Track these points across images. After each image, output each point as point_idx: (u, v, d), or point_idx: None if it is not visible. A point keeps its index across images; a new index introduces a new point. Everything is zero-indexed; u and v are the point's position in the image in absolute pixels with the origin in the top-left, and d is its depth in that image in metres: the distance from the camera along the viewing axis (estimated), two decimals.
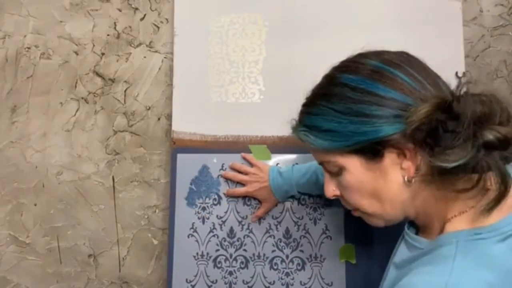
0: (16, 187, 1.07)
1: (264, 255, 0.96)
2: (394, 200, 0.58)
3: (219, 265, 0.96)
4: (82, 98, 1.08)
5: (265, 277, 0.96)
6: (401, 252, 0.62)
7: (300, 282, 0.95)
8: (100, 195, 1.06)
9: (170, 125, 1.02)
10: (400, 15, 1.00)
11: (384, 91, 0.55)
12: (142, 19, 1.08)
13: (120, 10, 1.08)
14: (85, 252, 1.06)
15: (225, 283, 0.96)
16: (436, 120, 0.51)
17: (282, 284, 0.95)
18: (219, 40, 1.02)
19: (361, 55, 0.60)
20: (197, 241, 0.97)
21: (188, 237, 0.97)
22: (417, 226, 0.63)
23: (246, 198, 0.97)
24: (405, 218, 0.61)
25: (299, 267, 0.95)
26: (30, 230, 1.07)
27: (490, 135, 0.49)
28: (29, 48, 1.09)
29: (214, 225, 0.97)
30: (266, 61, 1.01)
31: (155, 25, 1.08)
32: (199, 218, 0.98)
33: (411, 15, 0.99)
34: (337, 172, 0.60)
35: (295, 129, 0.63)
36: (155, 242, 1.05)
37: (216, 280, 0.96)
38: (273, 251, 0.96)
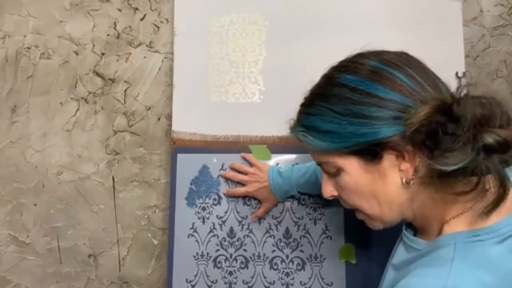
0: (16, 187, 1.07)
1: (264, 255, 0.96)
2: (392, 202, 0.58)
3: (219, 265, 0.96)
4: (82, 98, 1.08)
5: (265, 277, 0.96)
6: (399, 254, 0.61)
7: (300, 282, 0.95)
8: (100, 195, 1.06)
9: (170, 125, 1.02)
10: (400, 15, 1.00)
11: (383, 92, 0.54)
12: (142, 19, 1.08)
13: (120, 10, 1.08)
14: (85, 252, 1.06)
15: (225, 283, 0.96)
16: (436, 122, 0.51)
17: (282, 284, 0.95)
18: (219, 40, 1.02)
19: (360, 55, 0.60)
20: (197, 241, 0.97)
21: (188, 237, 0.97)
22: (415, 227, 0.63)
23: (246, 198, 0.97)
24: (403, 220, 0.61)
25: (299, 267, 0.95)
26: (30, 230, 1.07)
27: (490, 138, 0.48)
28: (29, 48, 1.09)
29: (214, 225, 0.97)
30: (266, 61, 1.01)
31: (155, 25, 1.08)
32: (199, 218, 0.98)
33: (411, 15, 0.99)
34: (335, 173, 0.60)
35: (293, 129, 0.63)
36: (155, 242, 1.05)
37: (216, 280, 0.96)
38: (273, 251, 0.96)
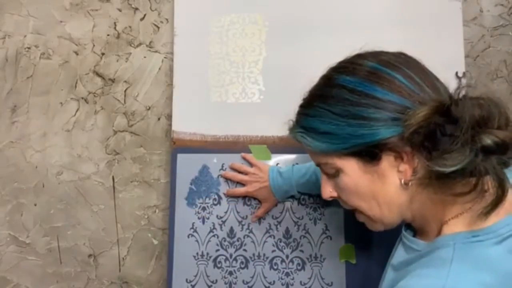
0: (16, 187, 1.07)
1: (264, 255, 0.96)
2: (391, 203, 0.58)
3: (219, 265, 0.96)
4: (82, 98, 1.08)
5: (265, 277, 0.96)
6: (399, 254, 0.61)
7: (300, 282, 0.95)
8: (100, 195, 1.06)
9: (170, 125, 1.02)
10: (400, 15, 1.00)
11: (382, 93, 0.54)
12: (142, 19, 1.08)
13: (120, 10, 1.08)
14: (85, 252, 1.06)
15: (225, 283, 0.96)
16: (434, 123, 0.51)
17: (282, 284, 0.95)
18: (219, 40, 1.02)
19: (358, 56, 0.60)
20: (197, 241, 0.97)
21: (188, 237, 0.97)
22: (415, 228, 0.63)
23: (246, 198, 0.97)
24: (402, 221, 0.61)
25: (299, 267, 0.95)
26: (30, 230, 1.07)
27: (488, 140, 0.48)
28: (29, 48, 1.09)
29: (214, 225, 0.97)
30: (266, 61, 1.01)
31: (155, 25, 1.08)
32: (199, 218, 0.98)
33: (411, 15, 0.99)
34: (334, 174, 0.60)
35: (292, 130, 0.63)
36: (155, 242, 1.05)
37: (216, 280, 0.96)
38: (273, 251, 0.96)
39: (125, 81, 1.07)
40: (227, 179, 0.98)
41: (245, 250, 0.96)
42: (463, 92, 0.53)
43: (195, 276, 0.96)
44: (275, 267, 0.96)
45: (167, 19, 1.07)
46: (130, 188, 1.06)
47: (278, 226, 0.97)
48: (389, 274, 0.62)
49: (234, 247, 0.97)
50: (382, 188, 0.57)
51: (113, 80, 1.07)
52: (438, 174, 0.51)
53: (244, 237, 0.97)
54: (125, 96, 1.07)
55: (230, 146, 0.99)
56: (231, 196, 0.98)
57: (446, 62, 0.95)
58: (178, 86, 1.01)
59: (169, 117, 1.04)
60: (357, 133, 0.55)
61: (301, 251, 0.96)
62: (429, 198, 0.56)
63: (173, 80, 1.01)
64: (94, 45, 1.08)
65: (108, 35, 1.08)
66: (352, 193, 0.60)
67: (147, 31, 1.08)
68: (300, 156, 0.96)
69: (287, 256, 0.96)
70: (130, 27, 1.08)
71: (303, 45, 1.00)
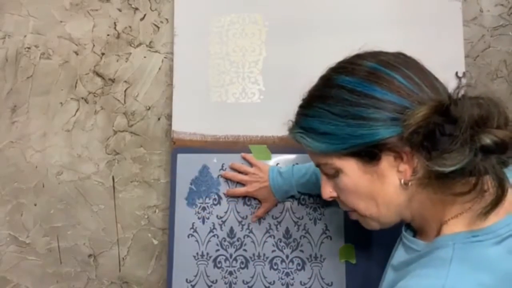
0: (16, 187, 1.07)
1: (264, 255, 0.96)
2: (391, 203, 0.58)
3: (219, 265, 0.96)
4: (82, 98, 1.08)
5: (265, 277, 0.96)
6: (399, 254, 0.61)
7: (300, 282, 0.95)
8: (100, 195, 1.06)
9: (170, 125, 1.02)
10: (400, 15, 1.00)
11: (381, 93, 0.54)
12: (142, 19, 1.08)
13: (120, 10, 1.08)
14: (85, 252, 1.06)
15: (225, 283, 0.96)
16: (434, 123, 0.51)
17: (282, 284, 0.95)
18: (219, 40, 1.02)
19: (357, 56, 0.60)
20: (197, 241, 0.97)
21: (188, 237, 0.97)
22: (415, 228, 0.63)
23: (246, 198, 0.97)
24: (402, 221, 0.61)
25: (299, 267, 0.95)
26: (30, 230, 1.07)
27: (487, 139, 0.48)
28: (29, 48, 1.09)
29: (214, 225, 0.97)
30: (266, 61, 1.01)
31: (155, 25, 1.08)
32: (199, 218, 0.98)
33: (411, 15, 0.99)
34: (334, 174, 0.60)
35: (291, 130, 0.63)
36: (155, 242, 1.05)
37: (216, 280, 0.96)
38: (273, 251, 0.96)
39: (125, 81, 1.07)
40: (227, 179, 0.98)
41: (245, 250, 0.96)
42: (462, 92, 0.53)
43: (195, 276, 0.96)
44: (275, 267, 0.96)
45: (167, 19, 1.07)
46: (130, 188, 1.06)
47: (278, 226, 0.97)
48: (389, 275, 0.62)
49: (234, 247, 0.97)
50: (382, 188, 0.57)
51: (113, 80, 1.07)
52: (437, 174, 0.51)
53: (244, 237, 0.97)
54: (125, 96, 1.07)
55: (230, 146, 0.99)
56: (231, 196, 0.98)
57: (446, 62, 0.95)
58: (178, 86, 1.01)
59: (169, 117, 1.04)
60: (356, 133, 0.55)
61: (301, 251, 0.96)
62: (428, 198, 0.56)
63: (173, 80, 1.01)
64: (94, 45, 1.08)
65: (108, 35, 1.08)
66: (351, 193, 0.60)
67: (147, 31, 1.08)
68: (300, 156, 0.96)
69: (287, 256, 0.96)
70: (130, 27, 1.08)
71: (303, 45, 1.00)
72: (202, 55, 1.02)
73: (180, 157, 0.99)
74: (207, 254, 0.97)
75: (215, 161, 0.99)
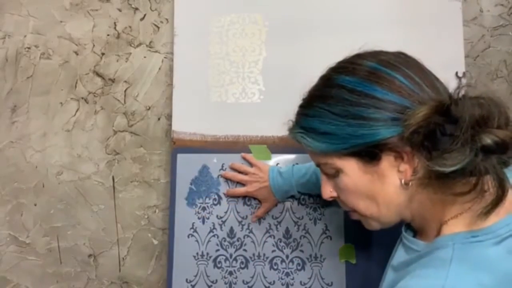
0: (16, 187, 1.07)
1: (264, 255, 0.96)
2: (391, 203, 0.58)
3: (219, 265, 0.96)
4: (82, 98, 1.08)
5: (265, 277, 0.96)
6: (399, 255, 0.61)
7: (300, 282, 0.95)
8: (100, 195, 1.06)
9: (170, 125, 1.02)
10: (400, 15, 1.00)
11: (381, 93, 0.54)
12: (142, 19, 1.08)
13: (120, 10, 1.08)
14: (85, 252, 1.06)
15: (225, 283, 0.96)
16: (434, 123, 0.51)
17: (282, 284, 0.95)
18: (219, 40, 1.02)
19: (357, 56, 0.60)
20: (197, 241, 0.97)
21: (188, 237, 0.97)
22: (414, 228, 0.62)
23: (246, 198, 0.97)
24: (402, 221, 0.61)
25: (299, 267, 0.95)
26: (30, 230, 1.07)
27: (488, 139, 0.48)
28: (29, 48, 1.09)
29: (214, 225, 0.97)
30: (266, 61, 1.01)
31: (155, 25, 1.08)
32: (199, 218, 0.98)
33: (411, 15, 0.99)
34: (334, 174, 0.60)
35: (291, 130, 0.63)
36: (155, 242, 1.05)
37: (216, 280, 0.96)
38: (273, 251, 0.96)
39: (125, 81, 1.07)
40: (227, 179, 0.98)
41: (245, 250, 0.96)
42: (462, 92, 0.53)
43: (195, 276, 0.96)
44: (275, 267, 0.96)
45: (167, 19, 1.07)
46: (130, 188, 1.06)
47: (278, 226, 0.97)
48: (389, 275, 0.62)
49: (234, 247, 0.97)
50: (382, 188, 0.57)
51: (113, 80, 1.07)
52: (438, 174, 0.51)
53: (244, 237, 0.97)
54: (125, 96, 1.07)
55: (230, 146, 0.99)
56: (231, 196, 0.97)
57: (446, 62, 0.95)
58: (178, 86, 1.01)
59: (169, 117, 1.04)
60: (357, 133, 0.55)
61: (301, 251, 0.96)
62: (428, 198, 0.56)
63: (173, 80, 1.01)
64: (94, 45, 1.08)
65: (108, 35, 1.08)
66: (351, 193, 0.60)
67: (147, 31, 1.08)
68: (300, 156, 0.96)
69: (287, 256, 0.96)
70: (130, 27, 1.08)
71: (303, 45, 1.00)
72: (202, 55, 1.02)
73: (180, 157, 0.99)
74: (207, 254, 0.97)
75: (215, 161, 0.99)
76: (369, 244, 0.94)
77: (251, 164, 0.97)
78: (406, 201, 0.57)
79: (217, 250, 0.97)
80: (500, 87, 1.03)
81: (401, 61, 0.57)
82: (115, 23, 1.08)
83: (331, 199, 0.65)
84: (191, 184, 0.98)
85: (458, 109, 0.50)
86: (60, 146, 1.07)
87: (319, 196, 0.95)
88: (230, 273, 0.96)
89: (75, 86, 1.08)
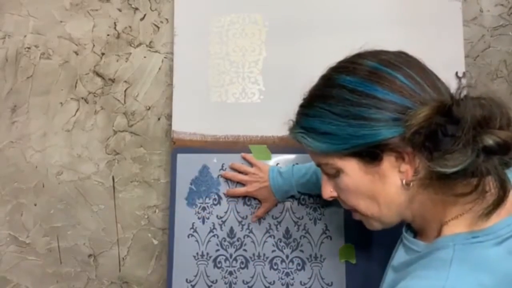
0: (16, 187, 1.07)
1: (264, 255, 0.96)
2: (392, 203, 0.57)
3: (219, 265, 0.96)
4: (82, 98, 1.08)
5: (265, 277, 0.96)
6: (399, 255, 0.61)
7: (300, 282, 0.95)
8: (100, 195, 1.06)
9: (170, 125, 1.02)
10: (400, 15, 1.00)
11: (382, 93, 0.54)
12: (142, 19, 1.08)
13: (120, 10, 1.08)
14: (85, 252, 1.06)
15: (225, 283, 0.96)
16: (436, 123, 0.51)
17: (282, 284, 0.95)
18: (219, 40, 1.02)
19: (358, 56, 0.59)
20: (197, 241, 0.97)
21: (188, 237, 0.97)
22: (415, 229, 0.62)
23: (246, 198, 0.97)
24: (402, 221, 0.61)
25: (299, 267, 0.95)
26: (30, 230, 1.07)
27: (489, 140, 0.48)
28: (29, 48, 1.09)
29: (214, 225, 0.97)
30: (266, 61, 1.01)
31: (155, 25, 1.08)
32: (199, 218, 0.98)
33: (411, 15, 0.99)
34: (335, 174, 0.60)
35: (292, 130, 0.63)
36: (155, 242, 1.05)
37: (216, 280, 0.96)
38: (273, 251, 0.96)
39: (125, 81, 1.07)
40: (227, 179, 0.98)
41: (245, 250, 0.96)
42: (464, 92, 0.53)
43: (195, 276, 0.96)
44: (275, 267, 0.96)
45: (167, 19, 1.07)
46: (130, 188, 1.06)
47: (278, 226, 0.97)
48: (389, 275, 0.61)
49: (234, 247, 0.97)
50: (383, 188, 0.57)
51: (113, 80, 1.07)
52: (439, 175, 0.51)
53: (244, 237, 0.97)
54: (125, 96, 1.07)
55: (230, 146, 0.99)
56: (231, 196, 0.97)
57: (446, 62, 0.95)
58: (178, 86, 1.01)
59: (169, 117, 1.04)
60: (358, 134, 0.54)
61: (301, 251, 0.96)
62: (429, 198, 0.55)
63: (173, 80, 1.01)
64: (94, 45, 1.08)
65: (108, 35, 1.08)
66: (352, 193, 0.60)
67: (147, 31, 1.08)
68: (300, 156, 0.96)
69: (287, 256, 0.96)
70: (130, 27, 1.08)
71: (303, 45, 1.00)
72: (202, 55, 1.02)
73: (180, 157, 0.99)
74: (207, 254, 0.97)
75: (215, 161, 0.99)
76: (369, 244, 0.94)
77: (251, 164, 0.97)
78: (407, 201, 0.57)
79: (217, 250, 0.97)
80: (500, 87, 1.03)
81: (402, 61, 0.57)
82: (115, 23, 1.08)
83: (331, 199, 0.65)
84: (191, 184, 0.98)
85: (460, 109, 0.50)
86: (60, 146, 1.07)
87: (319, 196, 0.95)
88: (230, 273, 0.96)
89: (75, 86, 1.08)
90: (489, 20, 1.04)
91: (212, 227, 0.97)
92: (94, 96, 1.07)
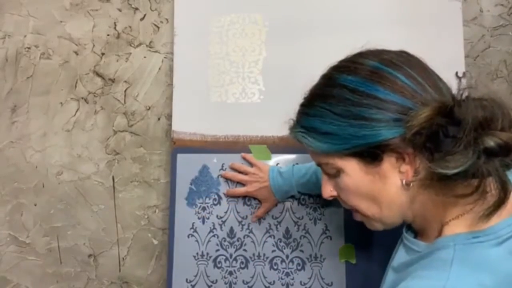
0: (16, 187, 1.07)
1: (264, 255, 0.96)
2: (392, 203, 0.57)
3: (219, 265, 0.96)
4: (82, 98, 1.08)
5: (265, 277, 0.96)
6: (399, 256, 0.61)
7: (300, 282, 0.95)
8: (100, 195, 1.06)
9: (170, 125, 1.02)
10: (400, 15, 1.00)
11: (383, 93, 0.54)
12: (142, 19, 1.08)
13: (120, 10, 1.08)
14: (85, 252, 1.06)
15: (225, 283, 0.96)
16: (437, 124, 0.50)
17: (282, 284, 0.95)
18: (219, 40, 1.02)
19: (359, 55, 0.59)
20: (197, 241, 0.97)
21: (188, 237, 0.97)
22: (415, 229, 0.62)
23: (246, 198, 0.97)
24: (403, 221, 0.61)
25: (299, 267, 0.95)
26: (30, 230, 1.07)
27: (491, 142, 0.48)
28: (29, 48, 1.09)
29: (214, 225, 0.97)
30: (266, 61, 1.01)
31: (155, 25, 1.08)
32: (199, 218, 0.98)
33: (411, 15, 0.99)
34: (335, 174, 0.60)
35: (292, 129, 0.63)
36: (155, 242, 1.05)
37: (216, 280, 0.96)
38: (273, 251, 0.96)
39: (125, 81, 1.07)
40: (227, 179, 0.98)
41: (245, 250, 0.96)
42: (466, 93, 0.53)
43: (195, 276, 0.96)
44: (275, 267, 0.96)
45: (167, 19, 1.07)
46: (130, 188, 1.06)
47: (278, 226, 0.97)
48: (389, 276, 0.61)
49: (234, 247, 0.97)
50: (383, 188, 0.57)
51: (113, 80, 1.07)
52: (439, 176, 0.51)
53: (244, 237, 0.97)
54: (125, 96, 1.07)
55: (230, 146, 0.99)
56: (231, 196, 0.97)
57: (446, 62, 0.95)
58: (178, 86, 1.01)
59: (169, 117, 1.04)
60: (358, 134, 0.54)
61: (301, 251, 0.96)
62: (430, 199, 0.55)
63: (173, 80, 1.01)
64: (94, 45, 1.08)
65: (108, 35, 1.08)
66: (352, 193, 0.59)
67: (147, 31, 1.08)
68: (300, 156, 0.96)
69: (287, 256, 0.96)
70: (130, 27, 1.08)
71: (303, 45, 1.00)
72: (202, 55, 1.02)
73: (180, 157, 0.99)
74: (207, 254, 0.97)
75: (215, 161, 0.99)
76: (369, 244, 0.94)
77: (251, 164, 0.97)
78: (407, 201, 0.57)
79: (217, 250, 0.97)
80: (500, 87, 1.03)
81: (403, 61, 0.57)
82: (115, 23, 1.08)
83: (331, 198, 0.64)
84: (191, 184, 0.98)
85: (462, 110, 0.50)
86: (60, 146, 1.07)
87: (319, 196, 0.95)
88: (230, 273, 0.96)
89: (75, 86, 1.08)
90: (489, 20, 1.04)
91: (212, 227, 0.97)
92: (94, 96, 1.07)
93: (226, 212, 0.98)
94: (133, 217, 1.06)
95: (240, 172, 0.97)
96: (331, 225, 0.96)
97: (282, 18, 1.01)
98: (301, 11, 1.01)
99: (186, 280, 0.96)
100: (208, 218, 0.98)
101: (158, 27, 1.08)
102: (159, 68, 1.07)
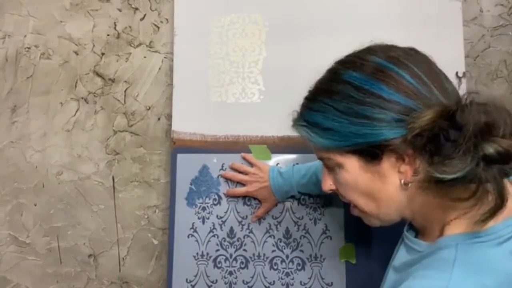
0: (16, 187, 1.07)
1: (264, 255, 0.96)
2: (390, 202, 0.57)
3: (219, 265, 0.96)
4: (82, 98, 1.08)
5: (265, 277, 0.96)
6: (401, 255, 0.61)
7: (300, 282, 0.95)
8: (100, 195, 1.06)
9: (170, 125, 1.02)
10: (400, 15, 1.00)
11: (387, 93, 0.54)
12: (142, 19, 1.08)
13: (120, 10, 1.08)
14: (85, 252, 1.06)
15: (225, 283, 0.96)
16: (439, 128, 0.50)
17: (282, 284, 0.95)
18: (219, 40, 1.02)
19: (367, 50, 0.59)
20: (197, 241, 0.97)
21: (188, 237, 0.97)
22: (416, 228, 0.62)
23: (246, 198, 0.97)
24: (403, 220, 0.61)
25: (299, 267, 0.95)
26: (30, 230, 1.07)
27: (491, 149, 0.47)
28: (29, 48, 1.09)
29: (214, 225, 0.97)
30: (266, 61, 1.01)
31: (155, 25, 1.08)
32: (199, 218, 0.98)
33: (411, 15, 0.99)
34: (335, 169, 0.60)
35: (295, 122, 0.62)
36: (155, 242, 1.05)
37: (216, 280, 0.96)
38: (273, 251, 0.96)
39: (125, 81, 1.07)
40: (227, 179, 0.98)
41: (245, 250, 0.96)
42: (471, 98, 0.52)
43: (195, 276, 0.96)
44: (275, 267, 0.96)
45: (167, 19, 1.07)
46: (130, 188, 1.06)
47: (278, 226, 0.97)
48: (390, 276, 0.61)
49: (234, 247, 0.97)
50: (382, 187, 0.57)
51: (113, 80, 1.07)
52: (437, 179, 0.50)
53: (244, 237, 0.97)
54: (125, 96, 1.07)
55: (230, 146, 0.99)
56: (231, 196, 0.97)
57: (446, 62, 0.94)
58: (178, 86, 1.01)
59: (169, 117, 1.04)
60: (359, 132, 0.54)
61: (301, 251, 0.96)
62: (428, 201, 0.55)
63: (173, 80, 1.01)
64: (94, 45, 1.08)
65: (108, 35, 1.08)
66: (351, 189, 0.60)
67: (147, 31, 1.08)
68: (300, 156, 0.96)
69: (287, 256, 0.96)
70: (130, 27, 1.08)
71: (303, 45, 1.00)
72: (202, 55, 1.02)
73: (180, 157, 0.99)
74: (207, 254, 0.97)
75: (215, 161, 0.99)
76: (369, 244, 0.94)
77: (251, 164, 0.97)
78: (405, 201, 0.57)
79: (217, 250, 0.97)
80: (500, 87, 1.03)
81: (410, 59, 0.56)
82: (115, 23, 1.08)
83: (330, 191, 0.65)
84: (191, 184, 0.98)
85: (464, 115, 0.49)
86: (60, 146, 1.07)
87: (319, 196, 0.95)
88: (230, 273, 0.96)
89: (75, 86, 1.08)
90: (489, 20, 1.04)
91: (212, 227, 0.97)
92: (94, 96, 1.07)
93: (226, 212, 0.98)
94: (133, 217, 1.06)
95: (240, 172, 0.97)
96: (331, 225, 0.96)
97: (282, 18, 1.01)
98: (301, 11, 1.01)
99: (186, 280, 0.96)
100: (208, 218, 0.98)
101: (158, 27, 1.08)
102: (159, 68, 1.07)
